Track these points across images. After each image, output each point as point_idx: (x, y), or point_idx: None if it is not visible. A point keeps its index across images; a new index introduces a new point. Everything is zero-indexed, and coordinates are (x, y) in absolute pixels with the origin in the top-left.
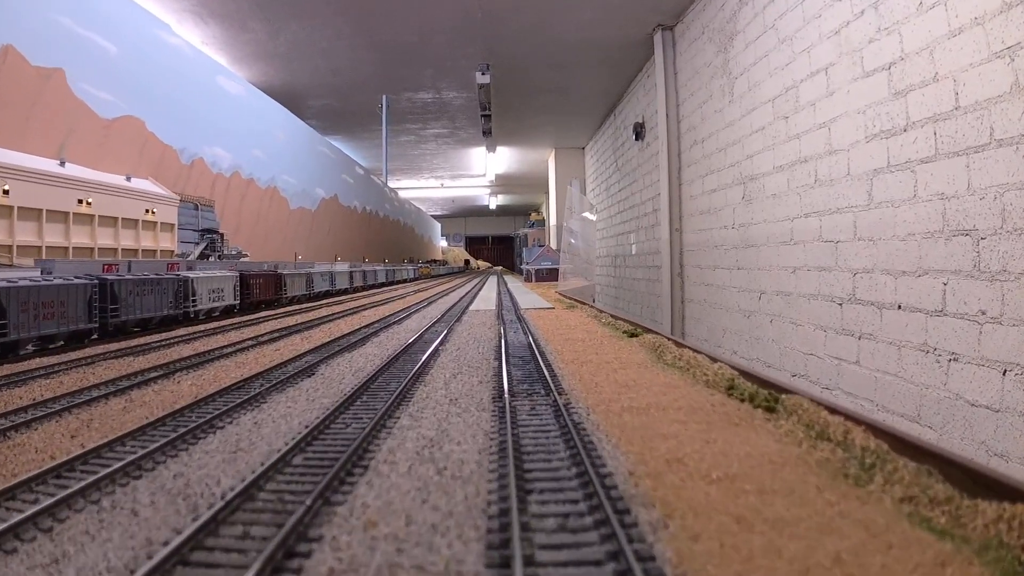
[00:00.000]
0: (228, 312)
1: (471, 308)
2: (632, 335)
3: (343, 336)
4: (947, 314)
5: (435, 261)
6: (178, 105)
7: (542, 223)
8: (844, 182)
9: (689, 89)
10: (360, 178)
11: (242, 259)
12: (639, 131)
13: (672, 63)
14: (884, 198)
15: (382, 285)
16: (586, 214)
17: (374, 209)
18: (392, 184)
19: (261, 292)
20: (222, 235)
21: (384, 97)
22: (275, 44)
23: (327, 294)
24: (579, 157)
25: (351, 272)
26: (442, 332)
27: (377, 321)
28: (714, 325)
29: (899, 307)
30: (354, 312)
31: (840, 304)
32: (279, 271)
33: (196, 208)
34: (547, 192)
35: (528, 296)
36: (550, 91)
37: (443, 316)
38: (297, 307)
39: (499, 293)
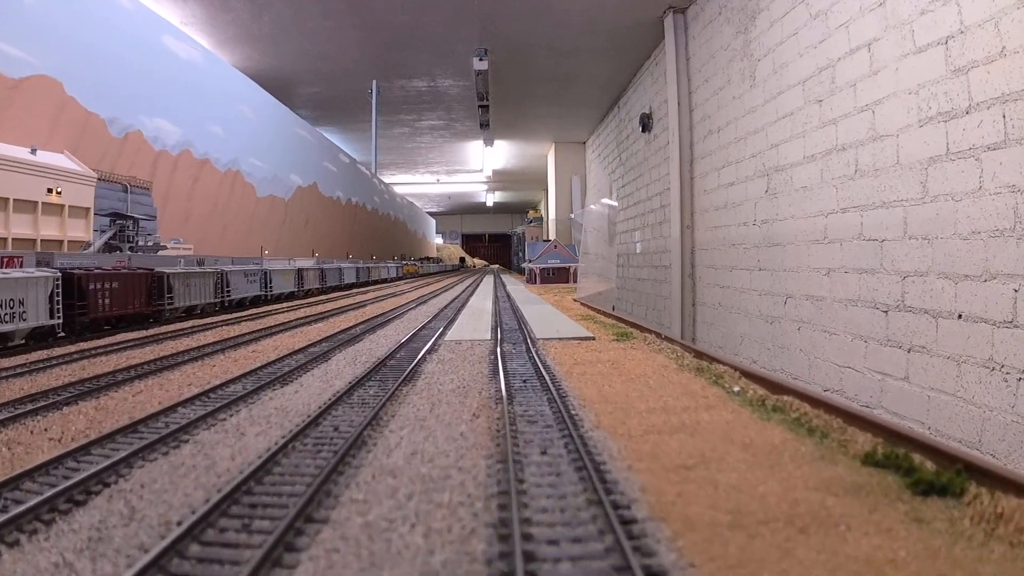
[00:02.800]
0: (38, 338)
1: (448, 337)
2: (903, 463)
3: (110, 435)
4: (1018, 325)
5: (428, 259)
6: (109, 66)
7: (540, 220)
8: (892, 172)
9: (703, 75)
10: (345, 167)
11: (162, 251)
12: (646, 122)
13: (684, 48)
14: (942, 190)
15: (351, 287)
16: (598, 204)
17: (361, 201)
18: (386, 179)
19: (116, 303)
20: (137, 220)
21: (374, 82)
22: (259, 25)
23: (257, 300)
24: (580, 152)
25: (299, 271)
26: (350, 436)
27: (256, 371)
28: (730, 331)
29: (959, 316)
30: (255, 340)
31: (885, 311)
32: (158, 269)
33: (125, 190)
34: (546, 189)
35: (539, 308)
36: (551, 80)
37: (389, 357)
38: (187, 325)
39: (496, 300)
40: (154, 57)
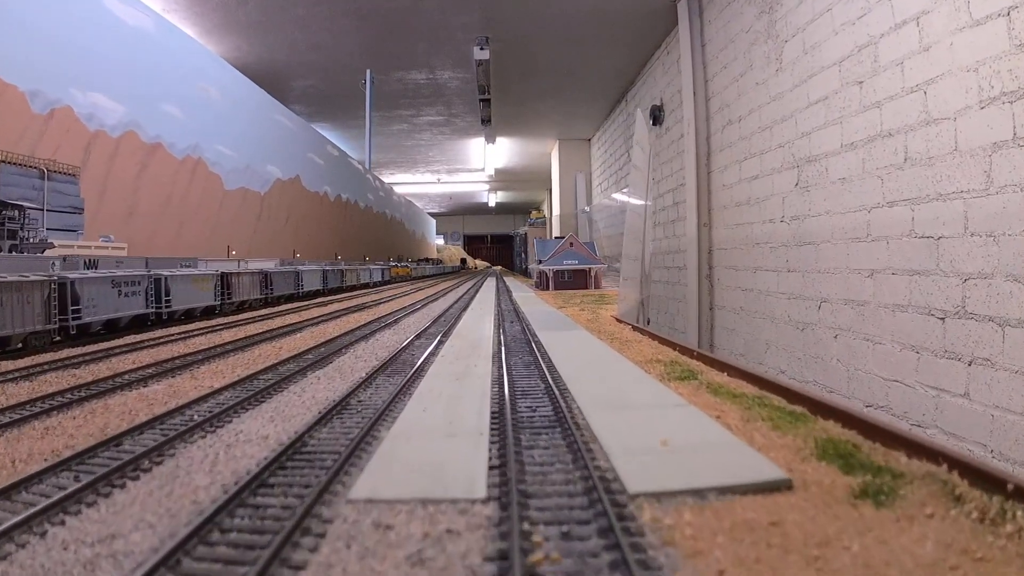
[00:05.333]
0: None
1: (374, 465)
2: None
3: None
4: None
5: (428, 260)
6: (34, 30)
7: (543, 221)
8: (949, 160)
9: (721, 62)
10: (334, 160)
11: (50, 250)
12: (657, 115)
13: (699, 34)
14: (1009, 180)
15: (312, 296)
16: (634, 199)
17: (352, 198)
18: (386, 179)
19: None
20: (23, 210)
21: (368, 72)
22: (245, 11)
23: (144, 321)
24: (585, 150)
25: (224, 278)
26: None
27: None
28: (753, 338)
29: None
30: None
31: (942, 318)
32: None
33: (43, 176)
34: (550, 189)
35: (574, 339)
36: (555, 72)
37: None
38: None
39: (500, 320)
40: (92, 21)
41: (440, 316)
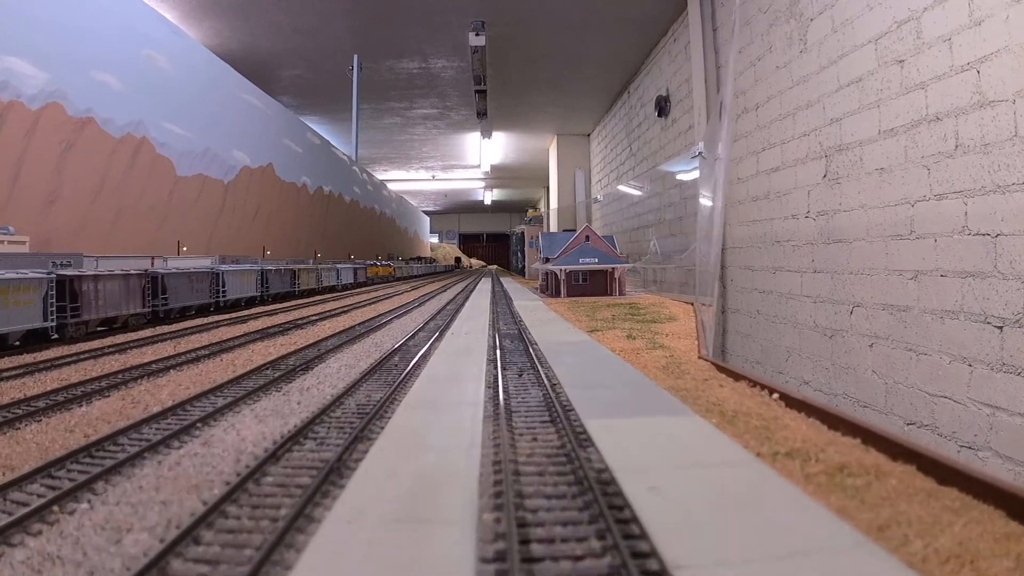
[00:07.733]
0: None
1: None
2: None
3: None
4: None
5: (420, 259)
6: None
7: (540, 219)
8: (1008, 147)
9: (735, 46)
10: (314, 148)
11: None
12: (663, 106)
13: (710, 18)
14: None
15: (249, 304)
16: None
17: (336, 191)
18: (379, 175)
19: None
20: None
21: (355, 57)
22: None
23: None
24: (584, 145)
25: (64, 284)
26: None
27: None
28: (772, 344)
29: None
30: None
31: (1000, 327)
32: None
33: None
34: (547, 186)
35: (707, 462)
36: (555, 61)
37: None
38: None
39: (499, 381)
40: None
41: (397, 348)
